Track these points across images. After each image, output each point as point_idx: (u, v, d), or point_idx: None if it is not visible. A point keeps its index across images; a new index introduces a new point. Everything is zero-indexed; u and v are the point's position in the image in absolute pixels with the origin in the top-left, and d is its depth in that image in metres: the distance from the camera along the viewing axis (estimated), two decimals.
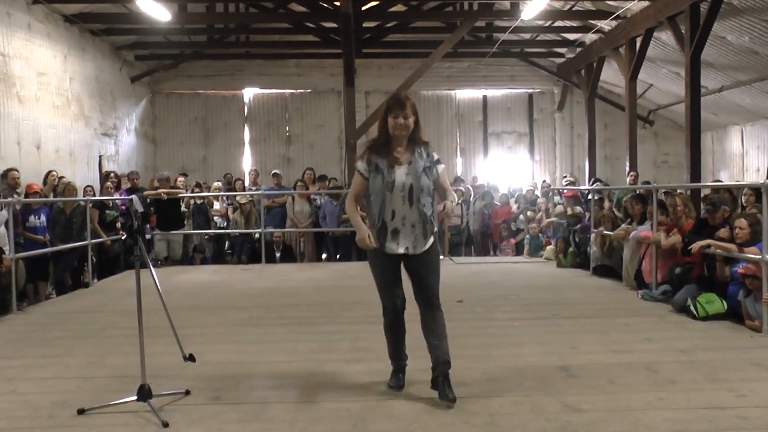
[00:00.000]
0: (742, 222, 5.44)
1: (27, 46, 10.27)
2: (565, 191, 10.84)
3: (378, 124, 3.67)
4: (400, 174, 3.58)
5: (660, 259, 6.66)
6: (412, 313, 3.70)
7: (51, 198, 8.72)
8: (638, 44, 11.42)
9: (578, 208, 9.94)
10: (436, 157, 3.68)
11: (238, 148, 16.23)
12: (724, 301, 5.47)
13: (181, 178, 11.72)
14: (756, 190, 7.33)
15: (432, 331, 3.60)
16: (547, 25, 13.66)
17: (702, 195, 9.22)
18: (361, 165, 3.66)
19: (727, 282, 5.57)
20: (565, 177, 13.41)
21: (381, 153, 3.62)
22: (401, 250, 3.61)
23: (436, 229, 3.69)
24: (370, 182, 3.61)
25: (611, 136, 16.34)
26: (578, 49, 14.29)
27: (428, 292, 3.62)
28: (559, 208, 10.48)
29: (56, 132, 11.16)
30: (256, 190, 11.78)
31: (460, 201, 12.40)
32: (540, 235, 11.10)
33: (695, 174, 9.65)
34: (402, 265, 3.70)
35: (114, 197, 9.87)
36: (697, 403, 3.44)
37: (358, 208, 3.72)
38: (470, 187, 14.12)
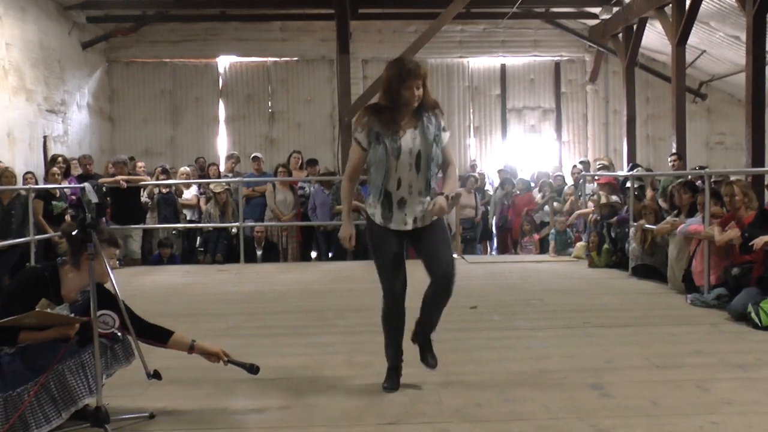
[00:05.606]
0: None
1: None
2: (599, 177, 10.83)
3: (383, 91, 3.84)
4: (407, 140, 3.84)
5: (713, 258, 6.64)
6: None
7: None
8: (688, 2, 11.36)
9: (614, 198, 9.93)
10: (443, 123, 3.97)
11: (212, 127, 16.19)
12: None
13: (185, 168, 11.65)
14: None
15: (436, 308, 4.00)
16: None
17: (767, 182, 9.19)
18: (359, 134, 3.87)
19: None
20: (598, 161, 13.35)
21: (383, 120, 3.81)
22: (409, 226, 3.89)
23: None
24: (370, 153, 3.83)
25: (654, 113, 16.30)
26: (615, 9, 14.21)
27: (445, 261, 3.88)
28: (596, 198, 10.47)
29: None
30: (234, 176, 11.77)
31: (473, 189, 12.44)
32: (568, 229, 11.09)
33: (758, 157, 9.59)
34: (407, 245, 3.98)
35: (62, 185, 9.85)
36: (760, 428, 3.43)
37: (354, 196, 3.82)
38: (485, 173, 14.14)
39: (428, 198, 3.89)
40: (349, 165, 3.99)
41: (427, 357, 4.11)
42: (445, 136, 3.96)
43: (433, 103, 3.92)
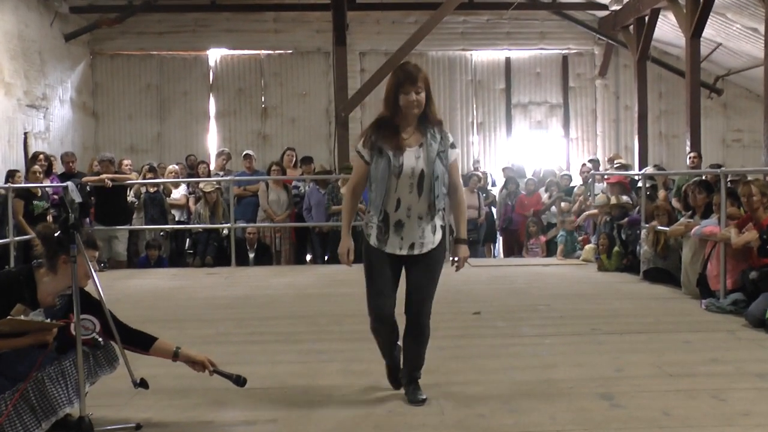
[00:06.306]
0: None
1: None
2: (608, 176, 10.83)
3: (385, 101, 3.87)
4: (410, 157, 3.82)
5: (730, 261, 6.64)
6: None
7: None
8: None
9: (625, 198, 9.94)
10: (450, 140, 3.95)
11: (202, 123, 16.18)
12: None
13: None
14: None
15: (416, 351, 4.04)
16: None
17: None
18: (362, 147, 3.89)
19: None
20: (615, 160, 13.33)
21: (387, 134, 3.83)
22: (404, 251, 3.88)
23: (443, 223, 3.99)
24: (372, 168, 3.84)
25: (667, 109, 16.32)
26: None
27: (420, 305, 3.94)
28: (601, 198, 10.47)
29: None
30: (224, 175, 11.75)
31: (476, 188, 12.44)
32: (575, 231, 11.08)
33: None
34: (401, 268, 3.99)
35: (44, 184, 9.84)
36: None
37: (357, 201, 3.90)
38: (488, 172, 14.14)
39: (431, 223, 3.88)
40: (352, 179, 4.01)
41: (416, 395, 3.99)
42: (453, 153, 3.91)
43: (438, 120, 3.90)
